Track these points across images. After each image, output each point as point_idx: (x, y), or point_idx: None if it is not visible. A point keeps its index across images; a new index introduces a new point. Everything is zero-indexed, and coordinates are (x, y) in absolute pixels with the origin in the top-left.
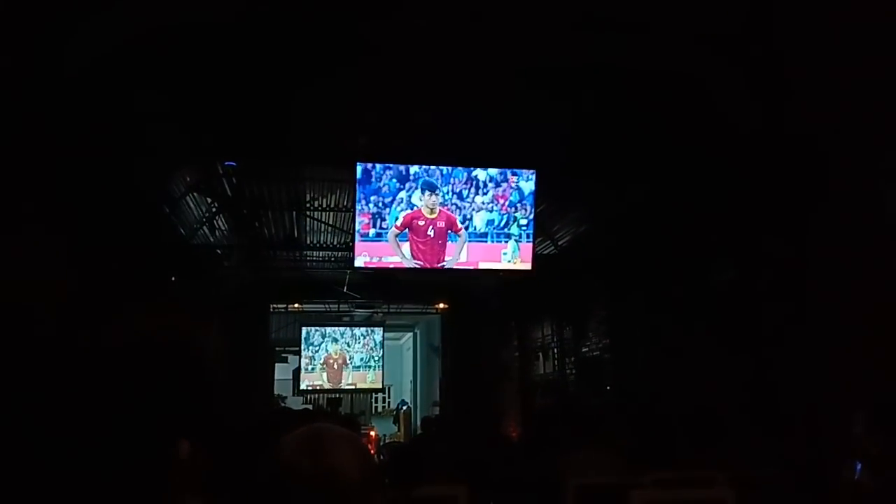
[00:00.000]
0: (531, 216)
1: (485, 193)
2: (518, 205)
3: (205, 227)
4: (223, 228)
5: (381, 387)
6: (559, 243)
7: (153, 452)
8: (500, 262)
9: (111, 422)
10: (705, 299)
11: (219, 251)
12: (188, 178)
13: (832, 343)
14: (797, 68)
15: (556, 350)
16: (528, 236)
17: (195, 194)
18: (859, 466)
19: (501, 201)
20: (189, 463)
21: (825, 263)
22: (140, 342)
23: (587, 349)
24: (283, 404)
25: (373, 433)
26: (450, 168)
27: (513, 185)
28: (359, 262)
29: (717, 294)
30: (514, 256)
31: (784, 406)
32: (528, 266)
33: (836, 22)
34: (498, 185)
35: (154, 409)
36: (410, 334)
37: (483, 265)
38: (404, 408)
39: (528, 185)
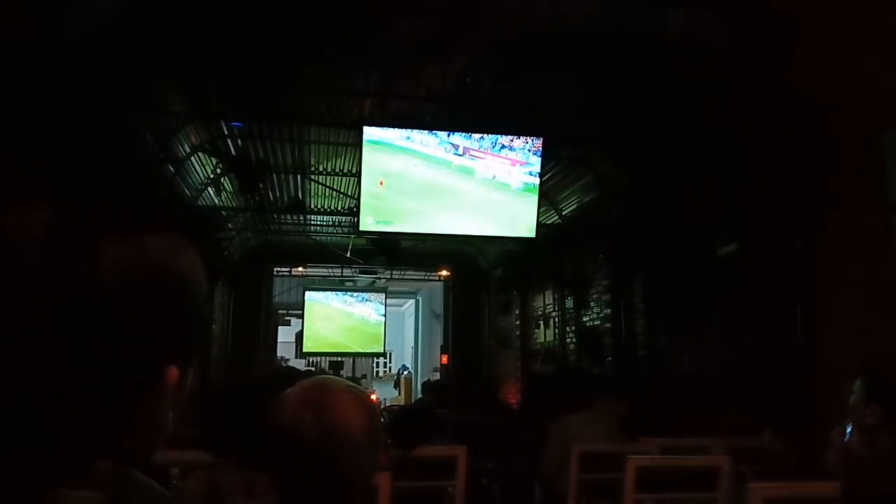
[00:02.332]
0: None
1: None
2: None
3: (210, 189)
4: (228, 190)
5: (382, 352)
6: (563, 213)
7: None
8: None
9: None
10: (708, 271)
11: (223, 213)
12: (193, 139)
13: (832, 314)
14: (808, 39)
15: (556, 319)
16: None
17: (200, 154)
18: (850, 429)
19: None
20: (176, 389)
21: (828, 237)
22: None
23: (588, 319)
24: (285, 366)
25: (374, 397)
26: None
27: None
28: (364, 225)
29: (720, 266)
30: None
31: (781, 376)
32: (531, 234)
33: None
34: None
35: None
36: (412, 301)
37: (491, 233)
38: (405, 373)
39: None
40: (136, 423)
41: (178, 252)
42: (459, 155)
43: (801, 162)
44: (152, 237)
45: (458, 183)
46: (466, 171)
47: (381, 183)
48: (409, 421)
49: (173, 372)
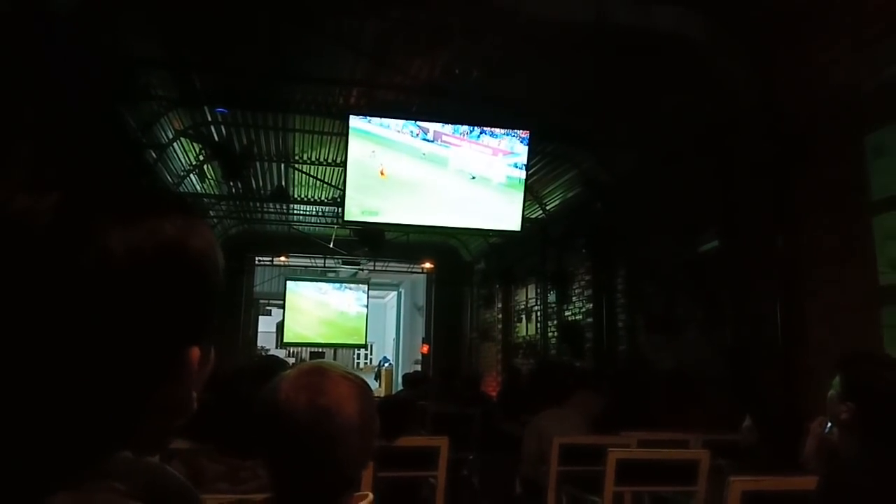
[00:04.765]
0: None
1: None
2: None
3: (192, 176)
4: (211, 178)
5: (363, 343)
6: (547, 208)
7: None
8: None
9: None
10: (689, 267)
11: (206, 200)
12: (177, 125)
13: (812, 312)
14: (792, 40)
15: (538, 313)
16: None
17: (183, 141)
18: (829, 425)
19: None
20: (199, 368)
21: (810, 235)
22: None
23: (570, 313)
24: (267, 355)
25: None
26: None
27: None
28: (349, 215)
29: (701, 262)
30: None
31: (761, 372)
32: (516, 227)
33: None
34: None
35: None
36: (395, 293)
37: (475, 226)
38: (386, 365)
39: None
40: (159, 405)
41: (191, 230)
42: (429, 140)
43: (783, 161)
44: (164, 217)
45: (432, 174)
46: (438, 161)
47: (382, 173)
48: (391, 411)
49: (195, 351)
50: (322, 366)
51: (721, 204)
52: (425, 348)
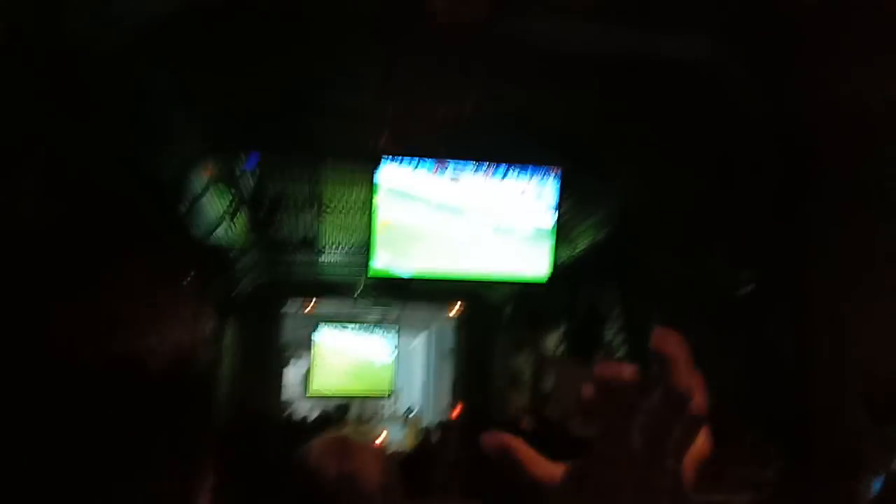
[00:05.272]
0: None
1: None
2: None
3: (225, 223)
4: (240, 226)
5: (391, 391)
6: (575, 250)
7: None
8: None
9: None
10: (724, 310)
11: (235, 250)
12: (207, 174)
13: (833, 343)
14: (806, 53)
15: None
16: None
17: (213, 189)
18: (879, 483)
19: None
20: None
21: (824, 251)
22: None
23: (603, 356)
24: (289, 410)
25: (380, 439)
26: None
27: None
28: (376, 265)
29: (740, 306)
30: None
31: (785, 411)
32: (542, 277)
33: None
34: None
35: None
36: (423, 338)
37: (500, 274)
38: (412, 414)
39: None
40: None
41: None
42: (447, 178)
43: (795, 174)
44: None
45: (447, 222)
46: (453, 210)
47: (385, 222)
48: (415, 468)
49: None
50: (347, 435)
51: (749, 234)
52: (455, 412)
